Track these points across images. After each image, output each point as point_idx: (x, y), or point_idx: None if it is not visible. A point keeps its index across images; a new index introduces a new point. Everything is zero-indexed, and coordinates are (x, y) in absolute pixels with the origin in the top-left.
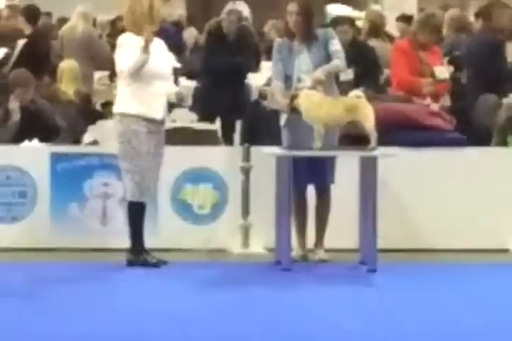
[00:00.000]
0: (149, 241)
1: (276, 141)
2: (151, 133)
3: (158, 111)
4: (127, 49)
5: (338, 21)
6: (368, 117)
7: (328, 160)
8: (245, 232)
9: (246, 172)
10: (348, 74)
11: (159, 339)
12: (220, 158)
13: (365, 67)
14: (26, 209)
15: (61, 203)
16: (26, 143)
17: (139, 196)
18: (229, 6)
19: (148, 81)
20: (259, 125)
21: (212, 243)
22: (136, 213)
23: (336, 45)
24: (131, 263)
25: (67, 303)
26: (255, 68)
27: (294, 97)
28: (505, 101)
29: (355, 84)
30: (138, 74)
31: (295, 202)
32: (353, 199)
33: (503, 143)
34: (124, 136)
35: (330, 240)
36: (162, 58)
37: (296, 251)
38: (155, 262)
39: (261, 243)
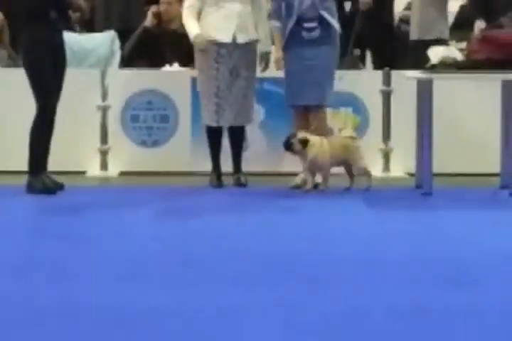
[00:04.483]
0: (292, 166)
1: (417, 64)
2: (222, 57)
3: (226, 34)
4: None
5: None
6: (360, 158)
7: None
8: (386, 156)
9: (387, 96)
10: None
11: (303, 257)
12: (361, 82)
13: None
14: (168, 134)
15: (202, 127)
16: (167, 67)
17: (212, 121)
18: None
19: (216, 4)
20: (399, 49)
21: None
22: (211, 137)
23: None
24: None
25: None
26: None
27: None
28: None
29: None
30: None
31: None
32: (494, 123)
33: None
34: (197, 60)
35: (468, 165)
36: None
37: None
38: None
39: (401, 167)
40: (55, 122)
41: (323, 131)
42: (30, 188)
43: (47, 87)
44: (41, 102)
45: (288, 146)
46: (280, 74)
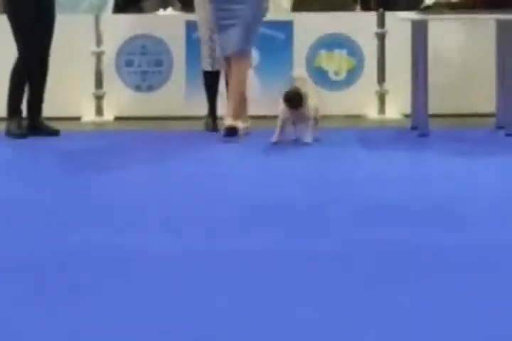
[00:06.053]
0: None
1: (411, 5)
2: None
3: None
4: None
5: None
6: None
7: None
8: (381, 98)
9: (381, 38)
10: None
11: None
12: (355, 24)
13: None
14: (162, 78)
15: (197, 72)
16: (161, 11)
17: (207, 65)
18: None
19: None
20: None
21: (349, 109)
22: (208, 82)
23: None
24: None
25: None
26: None
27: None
28: None
29: None
30: None
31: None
32: (489, 63)
33: None
34: (195, 5)
35: (464, 105)
36: None
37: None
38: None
39: (397, 109)
40: (45, 70)
41: (244, 80)
42: (7, 131)
43: (28, 38)
44: (21, 51)
45: (301, 104)
46: (276, 17)
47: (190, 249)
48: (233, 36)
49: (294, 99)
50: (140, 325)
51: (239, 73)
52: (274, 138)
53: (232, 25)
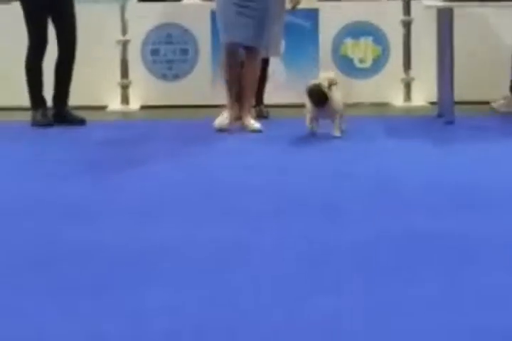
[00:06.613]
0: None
1: None
2: None
3: None
4: None
5: None
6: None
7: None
8: (407, 86)
9: (407, 25)
10: None
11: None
12: (381, 12)
13: None
14: (188, 67)
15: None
16: (187, 0)
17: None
18: None
19: None
20: None
21: (375, 97)
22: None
23: None
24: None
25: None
26: None
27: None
28: None
29: None
30: None
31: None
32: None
33: None
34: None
35: (490, 92)
36: None
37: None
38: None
39: (423, 96)
40: (71, 59)
41: (256, 76)
42: (33, 121)
43: (39, 26)
44: (31, 40)
45: (326, 100)
46: (302, 5)
47: (215, 239)
48: (246, 31)
49: (318, 97)
50: (164, 316)
51: (252, 69)
52: (310, 126)
53: (249, 18)
